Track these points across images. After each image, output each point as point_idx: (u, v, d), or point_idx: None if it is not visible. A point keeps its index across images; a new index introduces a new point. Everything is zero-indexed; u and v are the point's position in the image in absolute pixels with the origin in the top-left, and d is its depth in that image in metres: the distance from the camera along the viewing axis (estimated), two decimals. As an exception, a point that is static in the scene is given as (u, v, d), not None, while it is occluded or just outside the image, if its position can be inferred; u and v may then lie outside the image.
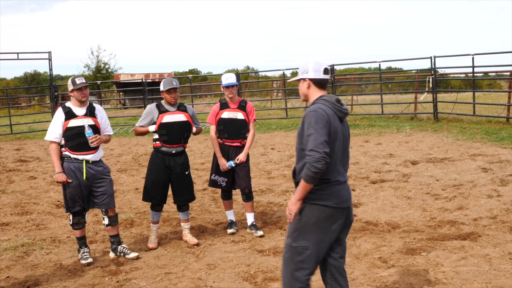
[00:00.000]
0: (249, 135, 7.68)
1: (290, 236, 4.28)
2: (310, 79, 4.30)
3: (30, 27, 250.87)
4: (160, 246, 7.22)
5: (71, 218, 6.68)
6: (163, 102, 7.16)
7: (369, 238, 7.18)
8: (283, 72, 23.30)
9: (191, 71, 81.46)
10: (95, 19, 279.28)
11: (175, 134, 7.09)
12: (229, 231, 7.71)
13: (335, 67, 21.67)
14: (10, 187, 11.61)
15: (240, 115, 7.58)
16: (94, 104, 6.81)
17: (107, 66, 50.16)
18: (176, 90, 7.04)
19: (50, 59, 22.73)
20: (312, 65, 4.29)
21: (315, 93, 4.30)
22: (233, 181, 7.74)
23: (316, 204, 4.14)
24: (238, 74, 7.65)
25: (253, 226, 7.72)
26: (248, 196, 7.76)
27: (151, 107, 7.09)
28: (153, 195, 7.13)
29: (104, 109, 7.54)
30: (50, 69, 23.16)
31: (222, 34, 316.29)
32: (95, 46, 74.42)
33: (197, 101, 40.15)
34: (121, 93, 40.72)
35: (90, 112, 6.66)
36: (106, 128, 6.81)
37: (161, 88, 7.02)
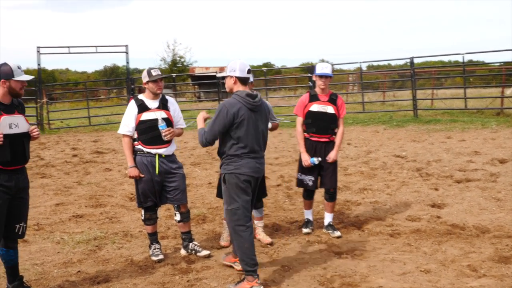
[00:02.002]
0: (339, 132, 7.22)
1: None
2: (236, 77, 5.44)
3: (109, 21, 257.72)
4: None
5: (142, 213, 6.52)
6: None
7: (456, 243, 6.67)
8: (360, 65, 22.68)
9: (265, 65, 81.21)
10: (172, 12, 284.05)
11: None
12: (304, 230, 7.36)
13: (414, 60, 20.84)
14: (86, 178, 11.68)
15: (330, 109, 7.12)
16: (167, 97, 6.60)
17: (182, 60, 50.57)
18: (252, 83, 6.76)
19: (127, 53, 22.98)
20: (239, 66, 5.44)
21: (238, 88, 5.45)
22: (317, 179, 7.30)
23: (233, 173, 5.41)
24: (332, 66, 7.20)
25: (330, 226, 7.33)
26: (332, 196, 7.35)
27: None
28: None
29: (179, 102, 7.36)
30: (127, 62, 23.44)
31: (297, 27, 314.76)
32: (171, 40, 75.27)
33: (271, 94, 39.98)
34: (196, 86, 40.94)
35: (163, 105, 6.46)
36: (179, 121, 6.59)
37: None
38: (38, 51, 21.73)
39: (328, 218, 7.39)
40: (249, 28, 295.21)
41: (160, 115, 6.36)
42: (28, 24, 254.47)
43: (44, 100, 22.47)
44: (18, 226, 5.25)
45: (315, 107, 7.14)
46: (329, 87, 7.26)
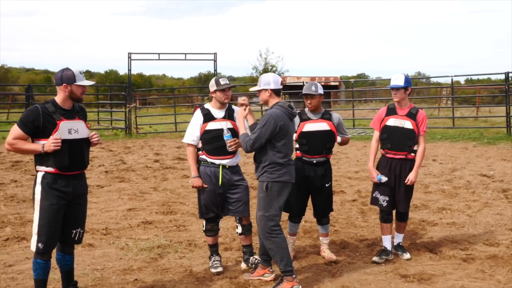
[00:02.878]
0: (419, 150, 6.66)
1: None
2: (272, 89, 5.71)
3: (204, 28, 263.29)
4: (295, 259, 6.74)
5: (204, 224, 6.43)
6: (306, 109, 6.69)
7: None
8: (451, 79, 21.85)
9: (359, 76, 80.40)
10: (266, 21, 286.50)
11: (316, 144, 6.58)
12: (374, 259, 6.73)
13: (510, 74, 19.84)
14: (163, 184, 11.80)
15: (408, 124, 6.62)
16: (233, 107, 6.50)
17: (274, 69, 50.85)
18: (314, 97, 6.54)
19: (215, 60, 23.27)
20: (273, 78, 5.74)
21: (273, 100, 5.74)
22: (392, 200, 6.80)
23: (277, 181, 5.64)
24: (408, 78, 6.70)
25: (399, 247, 6.93)
26: (402, 216, 6.92)
27: None
28: (292, 205, 6.64)
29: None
30: (215, 70, 23.73)
31: (393, 38, 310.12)
32: (264, 49, 75.87)
33: (361, 106, 39.35)
34: (286, 95, 40.90)
35: (229, 115, 6.35)
36: (245, 132, 6.46)
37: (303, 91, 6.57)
38: (129, 57, 22.37)
39: (398, 238, 6.99)
40: (344, 39, 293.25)
41: (225, 125, 6.25)
42: (126, 29, 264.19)
43: (133, 105, 23.06)
44: (74, 231, 5.27)
45: (391, 122, 6.72)
46: (423, 100, 6.85)
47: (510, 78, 20.09)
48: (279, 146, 5.61)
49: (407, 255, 6.76)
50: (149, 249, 7.15)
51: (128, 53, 22.29)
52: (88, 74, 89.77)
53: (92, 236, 7.75)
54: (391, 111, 6.78)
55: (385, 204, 6.76)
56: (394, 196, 6.77)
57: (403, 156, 6.67)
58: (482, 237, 7.62)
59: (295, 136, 6.57)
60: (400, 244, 6.95)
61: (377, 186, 6.81)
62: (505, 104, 20.15)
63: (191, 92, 45.06)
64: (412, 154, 6.66)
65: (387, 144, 6.74)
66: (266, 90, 5.75)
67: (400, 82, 6.62)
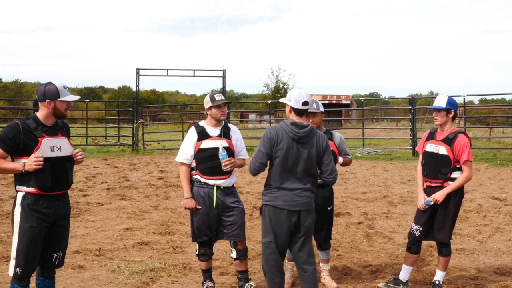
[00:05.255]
0: (461, 176, 6.00)
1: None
2: (291, 107, 5.24)
3: (218, 46, 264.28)
4: (293, 287, 6.40)
5: (197, 248, 6.10)
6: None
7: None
8: (463, 99, 21.46)
9: (371, 94, 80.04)
10: (278, 39, 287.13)
11: None
12: (381, 285, 6.36)
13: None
14: (164, 203, 11.50)
15: (442, 150, 6.05)
16: (229, 125, 6.20)
17: (285, 86, 50.69)
18: (316, 114, 6.24)
19: (224, 77, 23.06)
20: (295, 96, 5.24)
21: (292, 118, 5.27)
22: (428, 229, 6.26)
23: (267, 205, 5.24)
24: (452, 99, 6.07)
25: (436, 285, 6.28)
26: (441, 249, 6.22)
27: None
28: None
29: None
30: (223, 87, 23.51)
31: (406, 57, 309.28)
32: (275, 66, 75.87)
33: (372, 125, 38.99)
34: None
35: (225, 133, 6.05)
36: (241, 151, 6.15)
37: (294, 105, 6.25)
38: (137, 73, 22.21)
39: (436, 275, 6.30)
40: (356, 57, 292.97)
41: (221, 143, 5.96)
42: (139, 46, 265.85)
43: (141, 120, 22.87)
44: (55, 255, 4.98)
45: (428, 147, 6.23)
46: (431, 120, 6.40)
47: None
48: (275, 165, 5.18)
49: None
50: (141, 272, 6.84)
51: (136, 69, 22.14)
52: (102, 90, 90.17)
53: (84, 257, 7.45)
54: (431, 136, 6.30)
55: (417, 233, 6.25)
56: (429, 226, 6.24)
57: (438, 185, 6.12)
58: (493, 265, 7.24)
59: (341, 159, 6.38)
60: (437, 282, 6.25)
61: (417, 215, 6.32)
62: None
63: (202, 109, 45.04)
64: (450, 183, 6.04)
65: (424, 171, 6.28)
66: (287, 105, 5.34)
67: (442, 103, 6.08)
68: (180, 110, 37.29)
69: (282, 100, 5.55)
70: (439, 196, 5.99)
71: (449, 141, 6.04)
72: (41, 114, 4.83)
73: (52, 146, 4.79)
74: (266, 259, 5.26)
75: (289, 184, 5.19)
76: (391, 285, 6.34)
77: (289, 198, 5.18)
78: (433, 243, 8.08)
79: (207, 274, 6.17)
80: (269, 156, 5.19)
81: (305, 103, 5.23)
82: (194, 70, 23.02)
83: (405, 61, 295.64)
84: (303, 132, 5.18)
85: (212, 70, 23.35)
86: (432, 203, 6.04)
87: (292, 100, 5.24)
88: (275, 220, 5.20)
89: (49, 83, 4.82)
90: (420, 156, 6.38)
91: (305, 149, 5.20)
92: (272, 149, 5.16)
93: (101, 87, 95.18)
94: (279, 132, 5.18)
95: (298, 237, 5.26)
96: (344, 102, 41.53)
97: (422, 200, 6.16)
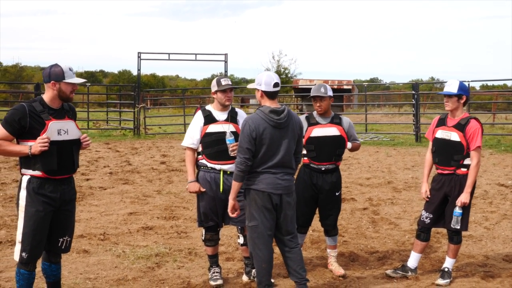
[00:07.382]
0: (471, 167, 5.88)
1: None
2: (262, 91, 5.13)
3: (218, 30, 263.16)
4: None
5: (203, 233, 6.03)
6: (314, 113, 6.28)
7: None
8: (468, 84, 21.29)
9: (372, 80, 79.81)
10: (280, 23, 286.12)
11: (325, 150, 6.15)
12: (389, 272, 6.31)
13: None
14: (167, 187, 11.43)
15: (454, 136, 5.93)
16: (237, 109, 6.10)
17: (287, 71, 50.43)
18: (323, 99, 6.14)
19: (226, 61, 22.93)
20: (265, 79, 5.13)
21: (265, 102, 5.17)
22: (439, 217, 6.18)
23: (251, 188, 5.15)
24: (463, 85, 5.90)
25: (445, 272, 6.15)
26: (452, 237, 6.14)
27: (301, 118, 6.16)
28: (298, 215, 6.17)
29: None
30: (225, 71, 23.43)
31: (407, 42, 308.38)
32: (277, 51, 75.52)
33: (374, 110, 38.85)
34: (299, 98, 40.52)
35: (232, 118, 5.95)
36: (246, 136, 6.06)
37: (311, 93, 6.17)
38: (139, 57, 22.07)
39: (446, 263, 6.22)
40: (357, 43, 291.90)
41: (228, 128, 5.86)
42: (140, 30, 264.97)
43: (142, 105, 22.74)
44: (61, 240, 4.89)
45: (439, 134, 6.11)
46: (433, 106, 6.33)
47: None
48: (257, 152, 5.08)
49: (442, 281, 6.04)
50: (147, 257, 6.77)
51: (138, 53, 22.03)
52: (102, 74, 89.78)
53: (88, 242, 7.38)
54: (441, 122, 6.17)
55: (427, 221, 6.16)
56: (440, 213, 6.14)
57: (451, 171, 6.00)
58: (502, 252, 7.17)
59: (350, 145, 6.27)
60: (446, 270, 6.15)
61: (427, 203, 6.23)
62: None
63: (203, 93, 44.80)
64: (463, 169, 5.93)
65: (436, 158, 6.17)
66: (258, 90, 5.20)
67: (453, 89, 5.93)
68: (181, 94, 37.15)
69: (250, 86, 5.44)
70: (465, 198, 5.86)
71: (461, 127, 5.92)
72: (46, 96, 4.73)
73: (59, 129, 4.70)
74: (253, 243, 5.20)
75: (271, 168, 5.13)
76: (399, 272, 6.27)
77: (272, 181, 5.12)
78: (440, 230, 8.05)
79: (214, 259, 6.09)
80: (252, 151, 5.08)
81: (276, 85, 5.15)
82: (196, 54, 22.90)
83: (406, 47, 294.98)
84: (283, 118, 5.11)
85: (214, 54, 23.25)
86: (461, 211, 5.90)
87: (262, 84, 5.14)
88: (260, 203, 5.13)
89: (55, 64, 4.72)
90: (430, 143, 6.28)
91: (285, 133, 5.16)
92: (255, 142, 5.05)
93: (101, 71, 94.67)
94: (259, 123, 5.06)
95: (281, 220, 5.24)
96: (345, 87, 41.35)
97: (424, 192, 6.21)
